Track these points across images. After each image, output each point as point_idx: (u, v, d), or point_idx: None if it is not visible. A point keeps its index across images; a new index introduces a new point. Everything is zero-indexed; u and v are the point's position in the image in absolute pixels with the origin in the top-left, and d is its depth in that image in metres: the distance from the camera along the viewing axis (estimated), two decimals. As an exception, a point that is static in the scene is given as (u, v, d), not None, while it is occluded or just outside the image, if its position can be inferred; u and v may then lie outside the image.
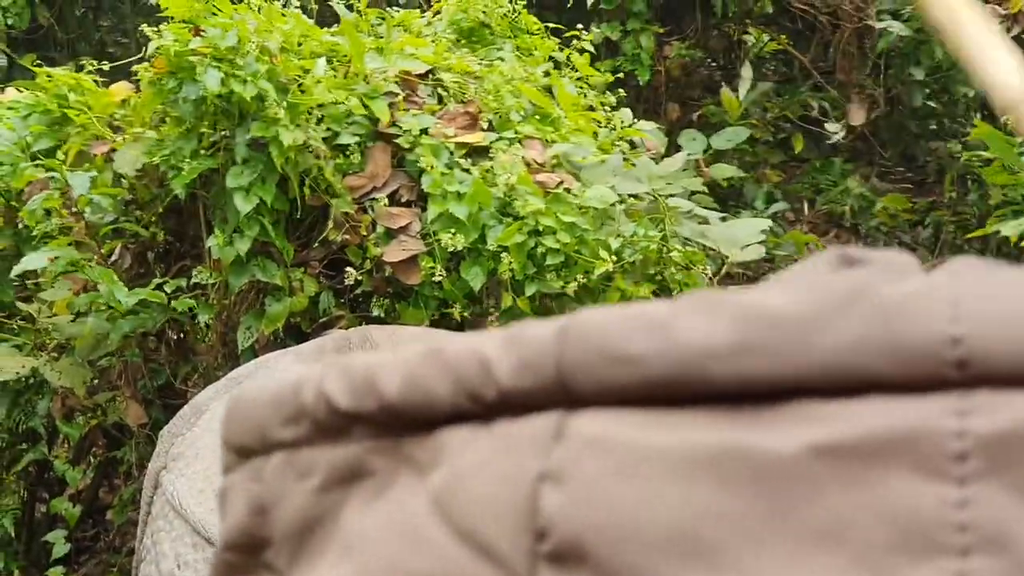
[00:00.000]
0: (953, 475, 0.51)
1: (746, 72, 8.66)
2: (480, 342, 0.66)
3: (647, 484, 0.55)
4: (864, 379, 0.53)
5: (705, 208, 5.77)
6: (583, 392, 0.60)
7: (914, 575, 0.51)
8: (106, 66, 5.98)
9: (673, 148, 6.79)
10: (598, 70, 7.03)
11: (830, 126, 9.48)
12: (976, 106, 9.54)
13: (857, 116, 9.38)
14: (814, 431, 0.53)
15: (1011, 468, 0.51)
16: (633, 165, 5.49)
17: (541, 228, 5.04)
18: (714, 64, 9.92)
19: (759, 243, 5.63)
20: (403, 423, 0.70)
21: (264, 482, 0.79)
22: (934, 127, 10.30)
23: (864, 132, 10.12)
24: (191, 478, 4.58)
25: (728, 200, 8.62)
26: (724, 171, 6.59)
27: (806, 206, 10.14)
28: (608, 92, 6.21)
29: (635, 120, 6.06)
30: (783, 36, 9.68)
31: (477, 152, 5.35)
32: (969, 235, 7.92)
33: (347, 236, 5.24)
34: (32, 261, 5.10)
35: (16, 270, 5.13)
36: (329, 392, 0.74)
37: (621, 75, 6.66)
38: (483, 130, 5.42)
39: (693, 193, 5.69)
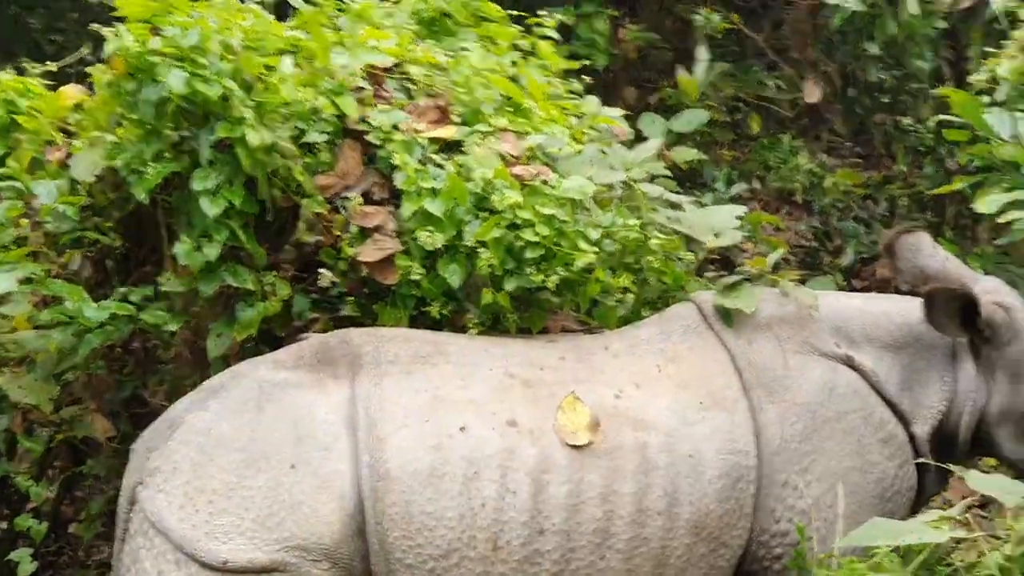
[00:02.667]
0: None
1: (701, 54, 8.60)
2: None
3: None
4: None
5: (672, 193, 5.69)
6: None
7: None
8: (54, 67, 5.82)
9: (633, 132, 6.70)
10: (585, 65, 6.95)
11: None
12: (930, 78, 9.51)
13: (813, 93, 9.33)
14: None
15: None
16: (605, 154, 5.40)
17: (519, 221, 4.94)
18: (668, 46, 9.83)
19: (735, 229, 5.57)
20: None
21: None
22: (886, 101, 10.26)
23: (814, 107, 10.08)
24: (170, 493, 4.43)
25: (686, 182, 8.54)
26: (686, 154, 6.49)
27: (756, 183, 10.10)
28: (571, 79, 6.10)
29: (602, 107, 5.98)
30: (735, 15, 9.61)
31: (450, 146, 5.25)
32: (933, 191, 7.88)
33: (320, 237, 5.13)
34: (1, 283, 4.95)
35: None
36: None
37: (578, 62, 6.56)
38: (454, 124, 5.31)
39: (655, 177, 5.60)
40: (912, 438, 5.11)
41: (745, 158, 10.21)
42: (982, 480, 3.92)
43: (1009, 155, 5.51)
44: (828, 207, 9.87)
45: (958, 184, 6.18)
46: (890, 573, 4.40)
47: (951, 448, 5.21)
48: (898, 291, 6.15)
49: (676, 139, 7.51)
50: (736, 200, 8.55)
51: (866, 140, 11.08)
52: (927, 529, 3.79)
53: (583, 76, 6.20)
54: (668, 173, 5.78)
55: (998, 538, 4.03)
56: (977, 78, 6.49)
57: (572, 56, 7.67)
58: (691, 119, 7.61)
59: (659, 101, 9.14)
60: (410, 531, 4.42)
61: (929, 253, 5.45)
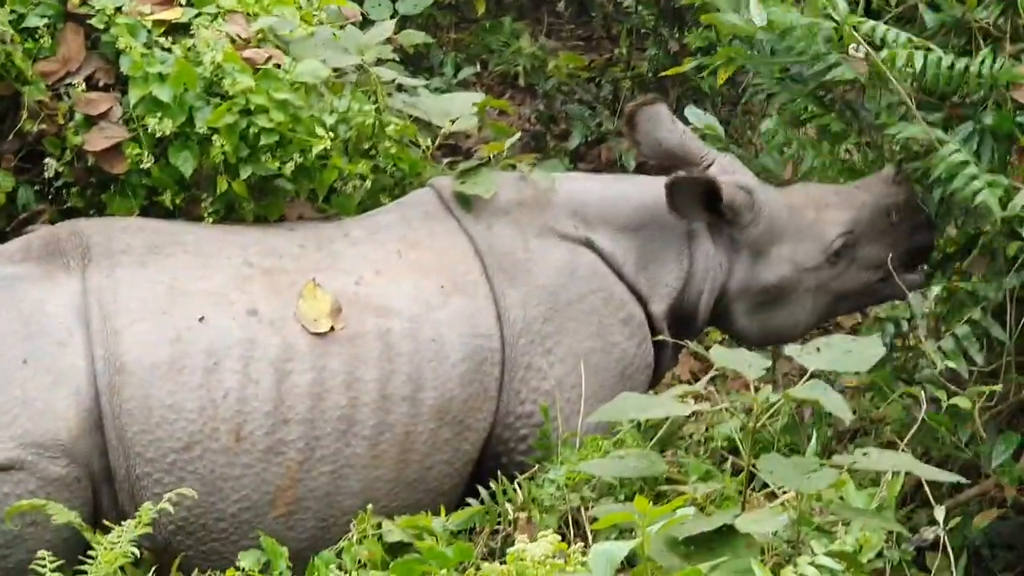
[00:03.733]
0: None
1: (423, -66, 8.51)
2: None
3: None
4: None
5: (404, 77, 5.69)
6: None
7: None
8: None
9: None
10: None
11: None
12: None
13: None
14: None
15: None
16: (337, 37, 5.34)
17: (253, 107, 4.87)
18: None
19: (472, 115, 5.61)
20: None
21: None
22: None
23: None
24: None
25: (412, 66, 8.51)
26: (413, 37, 6.45)
27: (479, 66, 10.11)
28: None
29: None
30: None
31: (176, 29, 5.10)
32: (661, 74, 8.02)
33: (43, 126, 4.96)
34: None
35: None
36: None
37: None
38: (180, 6, 5.16)
39: (384, 61, 5.57)
40: (649, 316, 5.25)
41: (469, 42, 10.19)
42: (724, 354, 4.07)
43: (732, 23, 5.54)
44: (552, 91, 9.96)
45: (687, 65, 6.28)
46: (631, 447, 4.57)
47: (690, 324, 5.40)
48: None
49: (403, 23, 7.48)
50: (464, 85, 8.58)
51: (586, 22, 11.19)
52: (673, 403, 3.93)
53: None
54: (396, 57, 5.77)
55: (730, 412, 4.21)
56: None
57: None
58: (417, 2, 7.58)
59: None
60: (149, 425, 4.38)
61: (668, 127, 5.52)
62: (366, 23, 6.00)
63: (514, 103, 10.11)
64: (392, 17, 6.51)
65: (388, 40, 5.88)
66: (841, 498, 4.00)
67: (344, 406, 4.59)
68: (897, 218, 5.46)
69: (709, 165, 5.38)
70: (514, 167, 5.37)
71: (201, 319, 4.51)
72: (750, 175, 5.46)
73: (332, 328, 4.63)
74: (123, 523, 4.10)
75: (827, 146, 5.90)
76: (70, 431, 4.34)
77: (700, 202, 5.21)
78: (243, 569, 4.38)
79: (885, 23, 4.97)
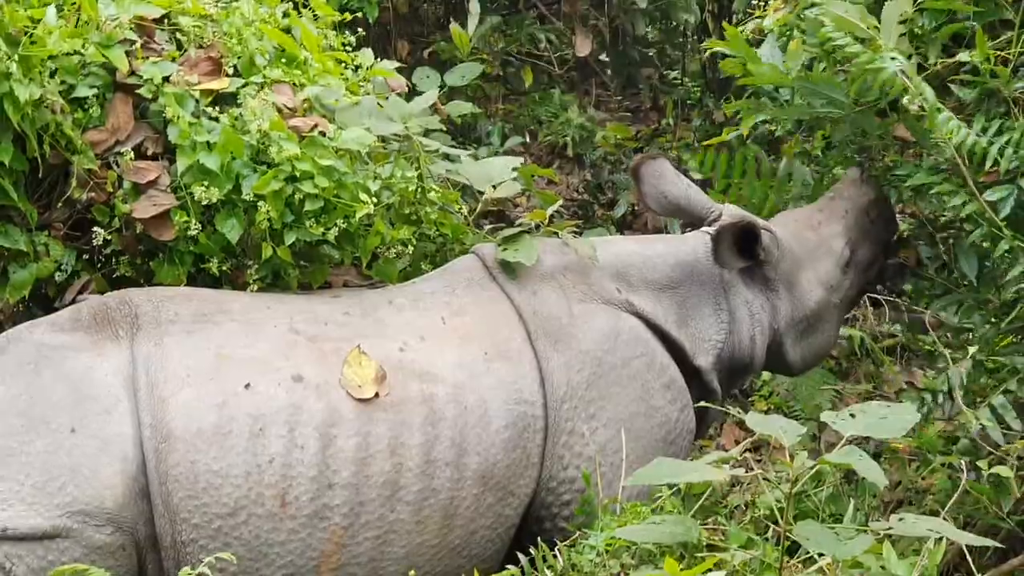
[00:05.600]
0: None
1: (474, 7, 8.64)
2: None
3: None
4: None
5: (450, 147, 5.76)
6: None
7: None
8: None
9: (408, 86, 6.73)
10: (356, 17, 6.92)
11: None
12: (695, 32, 9.77)
13: (583, 47, 9.51)
14: None
15: None
16: (382, 106, 5.41)
17: (298, 174, 4.92)
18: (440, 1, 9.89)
19: (512, 180, 5.67)
20: None
21: None
22: (652, 55, 10.50)
23: (584, 62, 10.25)
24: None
25: (460, 137, 8.61)
26: (460, 108, 6.55)
27: (528, 137, 10.22)
28: (346, 31, 6.09)
29: (377, 60, 5.98)
30: (506, -32, 9.72)
31: (224, 99, 5.17)
32: (705, 143, 8.14)
33: (92, 194, 5.02)
34: None
35: None
36: None
37: (349, 15, 6.56)
38: (228, 76, 5.23)
39: (430, 131, 5.65)
40: (697, 371, 5.34)
41: (518, 113, 10.30)
42: (760, 421, 4.07)
43: (767, 77, 5.73)
44: (599, 160, 10.05)
45: (727, 135, 6.43)
46: (671, 514, 4.55)
47: (746, 370, 5.58)
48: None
49: (450, 94, 7.57)
50: (510, 154, 8.66)
51: (634, 94, 11.30)
52: (708, 469, 3.93)
53: (357, 29, 6.19)
54: (443, 127, 5.83)
55: (769, 480, 4.20)
56: (743, 29, 6.72)
57: (343, 9, 7.65)
58: (464, 73, 7.65)
59: (432, 55, 9.17)
60: (195, 490, 4.40)
61: (672, 180, 5.71)
62: (413, 94, 6.08)
63: (562, 173, 10.23)
64: (440, 89, 6.56)
65: (435, 111, 5.96)
66: (883, 567, 3.98)
67: (389, 471, 4.60)
68: (874, 215, 5.82)
69: (719, 215, 5.49)
70: (556, 234, 5.40)
71: (247, 385, 4.54)
72: (759, 219, 5.61)
73: (377, 394, 4.64)
74: None
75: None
76: (116, 499, 4.35)
77: (738, 247, 5.36)
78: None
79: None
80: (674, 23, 9.88)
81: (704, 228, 5.54)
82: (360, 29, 6.19)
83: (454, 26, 8.53)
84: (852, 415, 3.95)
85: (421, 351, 4.84)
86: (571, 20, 9.64)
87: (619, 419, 5.04)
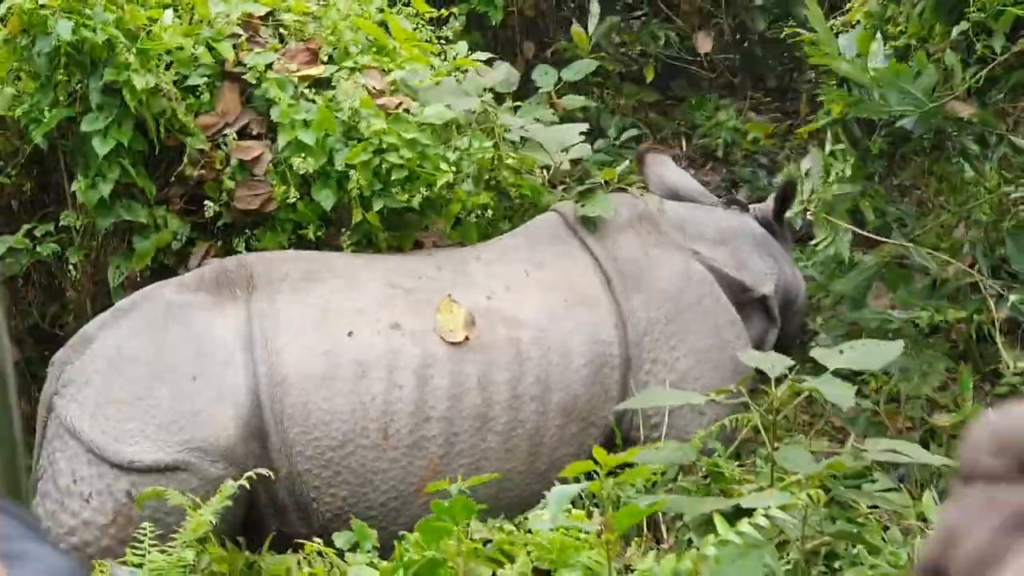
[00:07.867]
0: None
1: (594, 8, 8.97)
2: None
3: None
4: None
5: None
6: None
7: None
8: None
9: (529, 84, 7.08)
10: (452, 14, 7.35)
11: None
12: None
13: (704, 44, 9.71)
14: None
15: None
16: (459, 82, 5.84)
17: (385, 146, 5.37)
18: (565, 2, 10.15)
19: (581, 143, 6.14)
20: None
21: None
22: (780, 51, 10.58)
23: (730, 67, 10.40)
24: (82, 403, 4.86)
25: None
26: (575, 102, 6.90)
27: (684, 141, 10.42)
28: (446, 27, 6.51)
29: (500, 59, 6.42)
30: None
31: (320, 84, 5.66)
32: (799, 130, 8.33)
33: (203, 172, 5.53)
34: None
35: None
36: None
37: (445, 12, 6.96)
38: (323, 63, 5.73)
39: (551, 124, 6.08)
40: (764, 299, 5.87)
41: (670, 116, 10.54)
42: (754, 356, 4.45)
43: (845, 71, 6.02)
44: (740, 158, 10.24)
45: (815, 124, 6.77)
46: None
47: (791, 306, 6.19)
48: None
49: (571, 88, 7.95)
50: (632, 147, 8.98)
51: (793, 99, 11.36)
52: (692, 395, 4.54)
53: (477, 32, 6.53)
54: (556, 119, 6.26)
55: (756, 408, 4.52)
56: (834, 22, 6.97)
57: (470, 13, 8.11)
58: (580, 69, 8.04)
59: (555, 54, 9.44)
60: (308, 427, 4.85)
61: (671, 168, 6.45)
62: (532, 91, 6.64)
63: (713, 173, 10.42)
64: (556, 84, 6.92)
65: (551, 104, 6.39)
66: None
67: (479, 405, 5.01)
68: None
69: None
70: (625, 189, 5.82)
71: (350, 334, 4.98)
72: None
73: (467, 338, 5.07)
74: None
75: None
76: (229, 439, 4.78)
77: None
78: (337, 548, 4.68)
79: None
80: (792, 19, 9.98)
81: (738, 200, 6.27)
82: (487, 32, 6.56)
83: (575, 26, 8.88)
84: (840, 351, 4.25)
85: (507, 300, 5.26)
86: (691, 18, 9.84)
87: (698, 350, 5.47)
